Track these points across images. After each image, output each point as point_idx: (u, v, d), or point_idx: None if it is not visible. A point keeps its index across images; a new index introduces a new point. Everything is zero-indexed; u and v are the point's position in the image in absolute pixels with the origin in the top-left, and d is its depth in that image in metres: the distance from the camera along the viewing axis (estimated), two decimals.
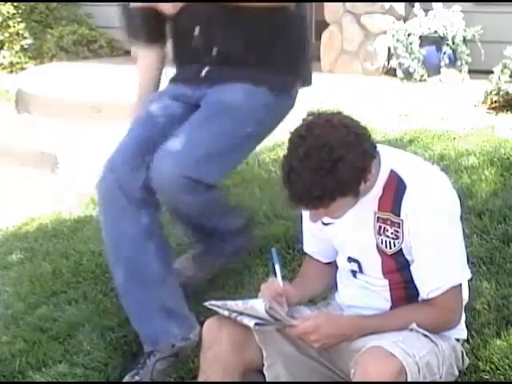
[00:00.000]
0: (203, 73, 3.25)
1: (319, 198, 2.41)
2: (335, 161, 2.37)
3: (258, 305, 2.46)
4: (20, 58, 9.55)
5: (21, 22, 9.68)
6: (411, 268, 2.56)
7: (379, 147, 2.56)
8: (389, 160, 2.56)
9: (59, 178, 6.06)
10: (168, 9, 3.14)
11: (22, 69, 9.38)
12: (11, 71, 9.45)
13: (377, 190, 2.55)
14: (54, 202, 5.31)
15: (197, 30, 3.22)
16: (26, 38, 9.62)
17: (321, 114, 2.47)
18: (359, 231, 2.61)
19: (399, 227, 2.53)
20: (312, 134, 2.41)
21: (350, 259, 2.68)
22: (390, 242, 2.56)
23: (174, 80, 3.41)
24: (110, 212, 3.18)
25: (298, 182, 2.39)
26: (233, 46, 3.19)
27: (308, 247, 2.86)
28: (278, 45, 3.20)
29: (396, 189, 2.53)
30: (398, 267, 2.59)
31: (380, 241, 2.57)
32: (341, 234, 2.67)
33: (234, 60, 3.19)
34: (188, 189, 3.02)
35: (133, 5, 3.26)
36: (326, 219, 2.66)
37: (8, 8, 9.63)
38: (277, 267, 2.63)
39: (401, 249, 2.55)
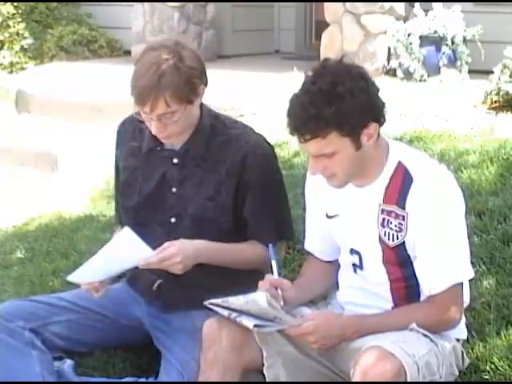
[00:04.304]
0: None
1: (315, 119, 2.40)
2: (340, 91, 2.40)
3: (259, 297, 2.46)
4: (20, 57, 9.55)
5: (21, 21, 9.69)
6: (415, 264, 2.57)
7: (388, 140, 2.59)
8: (397, 152, 2.58)
9: (59, 178, 6.06)
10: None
11: (22, 69, 9.39)
12: (11, 71, 9.46)
13: (383, 179, 2.56)
14: (54, 201, 5.31)
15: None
16: (26, 37, 9.63)
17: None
18: (362, 222, 2.61)
19: (403, 220, 2.54)
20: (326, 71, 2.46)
21: (352, 251, 2.68)
22: (393, 235, 2.56)
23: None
24: None
25: (297, 104, 2.44)
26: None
27: (309, 244, 2.85)
28: None
29: (402, 181, 2.53)
30: (398, 261, 2.59)
31: (383, 233, 2.58)
32: (344, 226, 2.67)
33: None
34: None
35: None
36: (331, 210, 2.66)
37: (8, 8, 9.64)
38: (273, 263, 2.64)
39: (403, 242, 2.56)
